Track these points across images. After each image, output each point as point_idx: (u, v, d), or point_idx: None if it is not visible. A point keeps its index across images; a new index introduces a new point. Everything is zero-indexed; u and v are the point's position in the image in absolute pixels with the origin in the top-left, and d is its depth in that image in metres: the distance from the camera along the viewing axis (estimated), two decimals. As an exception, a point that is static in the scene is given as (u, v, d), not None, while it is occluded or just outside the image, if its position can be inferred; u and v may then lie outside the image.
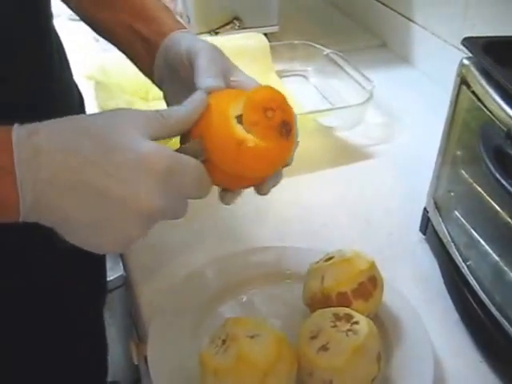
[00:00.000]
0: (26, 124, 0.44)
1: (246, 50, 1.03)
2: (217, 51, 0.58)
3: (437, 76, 1.11)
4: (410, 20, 1.19)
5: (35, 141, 0.43)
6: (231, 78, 0.57)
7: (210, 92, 0.52)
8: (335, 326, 0.54)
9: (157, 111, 0.48)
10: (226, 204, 0.54)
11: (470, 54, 0.63)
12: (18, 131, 0.43)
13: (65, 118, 0.46)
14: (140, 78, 0.66)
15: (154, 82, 0.64)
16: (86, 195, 0.43)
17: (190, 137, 0.50)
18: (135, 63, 0.66)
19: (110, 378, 1.63)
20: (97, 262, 0.84)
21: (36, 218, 0.44)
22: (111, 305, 1.49)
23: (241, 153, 0.49)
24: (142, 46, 0.63)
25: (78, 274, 0.75)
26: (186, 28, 0.62)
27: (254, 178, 0.53)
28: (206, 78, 0.53)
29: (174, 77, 0.59)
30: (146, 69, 0.64)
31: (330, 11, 1.43)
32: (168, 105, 0.61)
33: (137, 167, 0.44)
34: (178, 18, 0.69)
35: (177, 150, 0.48)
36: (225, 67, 0.57)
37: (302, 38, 1.11)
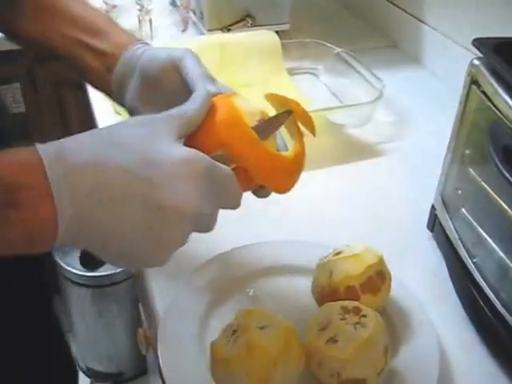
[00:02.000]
0: (48, 143, 0.44)
1: (257, 48, 1.04)
2: (197, 56, 0.58)
3: (446, 76, 1.12)
4: (420, 21, 1.19)
5: (67, 158, 0.42)
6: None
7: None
8: (344, 319, 0.55)
9: (168, 114, 0.48)
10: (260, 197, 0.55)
11: (480, 55, 0.63)
12: (45, 150, 0.43)
13: (89, 132, 0.46)
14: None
15: (110, 95, 0.63)
16: (127, 207, 0.43)
17: (198, 137, 0.50)
18: (85, 77, 0.64)
19: (115, 370, 1.65)
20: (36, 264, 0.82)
21: (72, 240, 0.43)
22: (118, 297, 1.51)
23: (275, 168, 0.52)
24: (95, 59, 0.62)
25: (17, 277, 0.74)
26: (141, 39, 0.63)
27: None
28: (204, 83, 0.54)
29: (153, 92, 0.59)
30: (100, 82, 0.63)
31: (341, 11, 1.44)
32: None
33: (177, 173, 0.44)
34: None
35: None
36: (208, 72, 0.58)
37: (313, 37, 1.12)
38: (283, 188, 0.55)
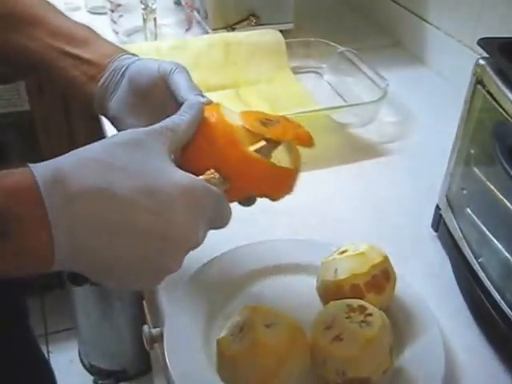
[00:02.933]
0: (40, 163, 0.42)
1: (261, 47, 1.05)
2: (187, 71, 0.59)
3: (450, 75, 1.12)
4: (424, 20, 1.19)
5: (65, 185, 0.41)
6: None
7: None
8: (349, 317, 0.55)
9: (162, 126, 0.48)
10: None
11: (484, 55, 0.64)
12: (42, 174, 0.41)
13: (82, 150, 0.44)
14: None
15: (89, 105, 0.62)
16: (126, 237, 0.42)
17: (191, 153, 0.51)
18: (65, 86, 0.63)
19: (118, 367, 1.66)
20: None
21: (69, 266, 0.43)
22: (121, 294, 1.51)
23: (279, 180, 0.54)
24: (77, 68, 0.61)
25: None
26: (126, 50, 0.63)
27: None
28: (195, 96, 0.55)
29: (140, 103, 0.59)
30: (81, 91, 0.62)
31: (345, 10, 1.44)
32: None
33: (177, 203, 0.44)
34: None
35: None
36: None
37: (317, 36, 1.12)
38: (279, 195, 0.56)
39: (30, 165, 0.42)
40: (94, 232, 0.41)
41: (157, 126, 0.48)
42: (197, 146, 0.51)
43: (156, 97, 0.58)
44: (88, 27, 0.65)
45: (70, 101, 1.61)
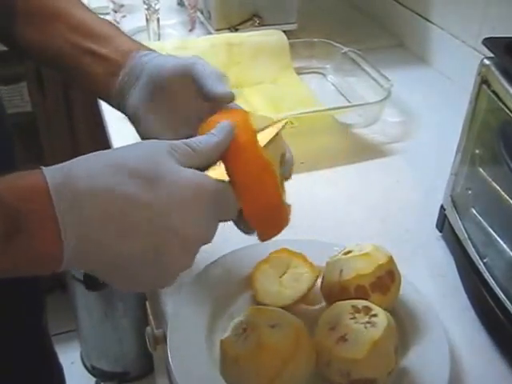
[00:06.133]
0: (51, 166, 0.43)
1: (265, 47, 1.04)
2: (207, 62, 0.58)
3: (454, 76, 1.12)
4: (428, 20, 1.19)
5: (73, 184, 0.42)
6: None
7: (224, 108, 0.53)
8: (354, 318, 0.55)
9: (184, 143, 0.47)
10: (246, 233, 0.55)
11: (489, 55, 0.63)
12: (53, 175, 0.42)
13: (93, 155, 0.45)
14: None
15: (109, 102, 0.62)
16: (135, 235, 0.42)
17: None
18: (85, 83, 0.63)
19: (120, 369, 1.66)
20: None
21: (77, 266, 0.43)
22: (124, 296, 1.51)
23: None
24: (97, 64, 0.60)
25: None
26: (147, 47, 0.62)
27: None
28: (224, 84, 0.55)
29: (159, 100, 0.58)
30: (100, 88, 0.61)
31: (348, 10, 1.44)
32: (142, 130, 0.59)
33: (185, 199, 0.44)
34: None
35: None
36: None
37: (321, 36, 1.12)
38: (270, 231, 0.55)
39: (42, 167, 0.43)
40: (103, 229, 0.42)
41: (178, 141, 0.47)
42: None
43: (177, 92, 0.57)
44: (108, 22, 0.65)
45: (72, 102, 1.61)
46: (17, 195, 0.41)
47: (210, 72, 0.56)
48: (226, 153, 0.49)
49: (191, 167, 0.46)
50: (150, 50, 0.62)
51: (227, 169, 0.49)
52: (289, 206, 0.54)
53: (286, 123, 0.54)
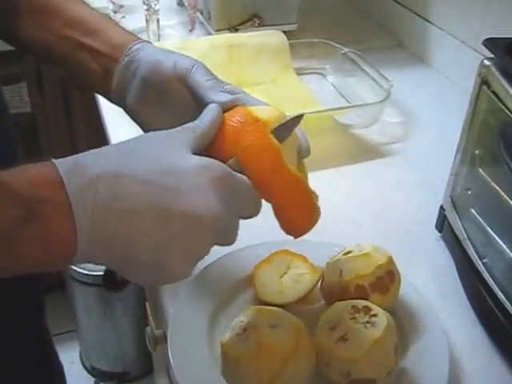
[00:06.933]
0: (63, 158, 0.43)
1: (265, 47, 1.04)
2: (205, 66, 0.57)
3: (453, 76, 1.12)
4: (427, 20, 1.19)
5: (85, 170, 0.42)
6: None
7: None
8: (354, 318, 0.55)
9: (183, 128, 0.48)
10: None
11: (488, 55, 0.63)
12: (63, 164, 0.42)
13: (104, 147, 0.45)
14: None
15: (109, 98, 0.62)
16: (147, 217, 0.42)
17: (213, 151, 0.50)
18: (83, 79, 0.63)
19: (120, 369, 1.66)
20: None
21: (92, 255, 0.42)
22: (123, 295, 1.51)
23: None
24: (93, 60, 0.60)
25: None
26: (140, 38, 0.61)
27: None
28: (217, 93, 0.54)
29: (155, 99, 0.58)
30: (99, 84, 0.61)
31: (348, 11, 1.44)
32: (145, 125, 0.59)
33: (196, 181, 0.43)
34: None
35: None
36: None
37: (320, 37, 1.12)
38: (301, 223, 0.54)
39: (53, 159, 0.43)
40: (114, 213, 0.42)
41: (178, 128, 0.48)
42: (217, 147, 0.50)
43: (173, 94, 0.57)
44: (100, 14, 0.64)
45: (71, 102, 1.61)
46: (28, 183, 0.41)
47: (204, 84, 0.55)
48: (234, 144, 0.49)
49: (199, 149, 0.47)
50: (143, 40, 0.61)
51: (239, 160, 0.48)
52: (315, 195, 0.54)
53: (301, 116, 0.53)
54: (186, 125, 0.49)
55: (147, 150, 0.45)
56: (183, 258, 0.44)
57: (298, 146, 0.54)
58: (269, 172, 0.49)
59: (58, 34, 0.62)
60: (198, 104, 0.55)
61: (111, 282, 1.42)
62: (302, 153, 0.55)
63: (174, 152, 0.45)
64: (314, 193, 0.54)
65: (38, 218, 0.40)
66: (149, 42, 0.61)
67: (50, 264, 0.42)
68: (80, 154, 0.44)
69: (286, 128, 0.52)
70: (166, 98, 0.57)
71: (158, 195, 0.42)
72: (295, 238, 0.54)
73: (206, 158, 0.46)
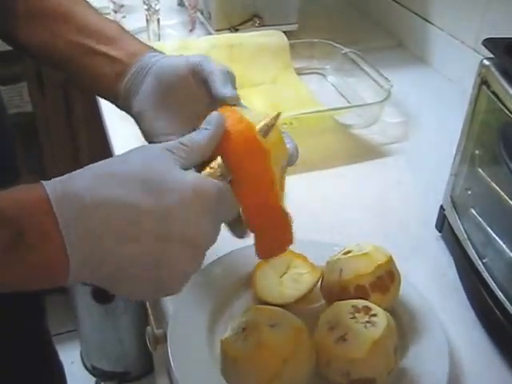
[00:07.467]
0: (52, 180, 0.43)
1: (265, 48, 1.05)
2: (214, 61, 0.58)
3: (453, 76, 1.12)
4: (427, 21, 1.19)
5: (76, 198, 0.41)
6: None
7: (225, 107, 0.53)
8: (354, 318, 0.55)
9: (179, 142, 0.47)
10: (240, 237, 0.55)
11: (488, 55, 0.63)
12: (52, 187, 0.42)
13: (91, 166, 0.44)
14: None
15: (114, 102, 0.62)
16: (139, 244, 0.42)
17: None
18: (89, 84, 0.63)
19: (121, 369, 1.66)
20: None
21: (83, 278, 0.43)
22: (124, 296, 1.51)
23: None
24: (104, 65, 0.60)
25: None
26: (155, 48, 0.62)
27: None
28: (225, 85, 0.55)
29: (166, 99, 0.58)
30: (106, 88, 0.61)
31: (348, 11, 1.44)
32: (147, 129, 0.59)
33: (188, 204, 0.43)
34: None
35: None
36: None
37: (321, 37, 1.12)
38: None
39: (43, 182, 0.42)
40: (106, 242, 0.41)
41: (173, 142, 0.47)
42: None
43: (185, 92, 0.58)
44: (116, 23, 0.65)
45: (71, 102, 1.61)
46: (17, 209, 0.41)
47: (218, 72, 0.56)
48: (222, 145, 0.49)
49: (190, 165, 0.46)
50: (158, 51, 0.62)
51: (225, 161, 0.48)
52: (289, 215, 0.54)
53: (279, 114, 0.53)
54: (183, 139, 0.48)
55: (140, 173, 0.44)
56: (174, 278, 0.45)
57: (288, 156, 0.54)
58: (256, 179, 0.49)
59: (67, 38, 0.62)
60: (213, 95, 0.56)
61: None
62: (291, 162, 0.55)
63: (166, 173, 0.44)
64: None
65: (28, 246, 0.40)
66: (162, 53, 0.62)
67: (47, 286, 0.43)
68: (71, 176, 0.43)
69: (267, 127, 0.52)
70: (179, 96, 0.58)
71: (150, 223, 0.42)
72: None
73: (198, 175, 0.46)
